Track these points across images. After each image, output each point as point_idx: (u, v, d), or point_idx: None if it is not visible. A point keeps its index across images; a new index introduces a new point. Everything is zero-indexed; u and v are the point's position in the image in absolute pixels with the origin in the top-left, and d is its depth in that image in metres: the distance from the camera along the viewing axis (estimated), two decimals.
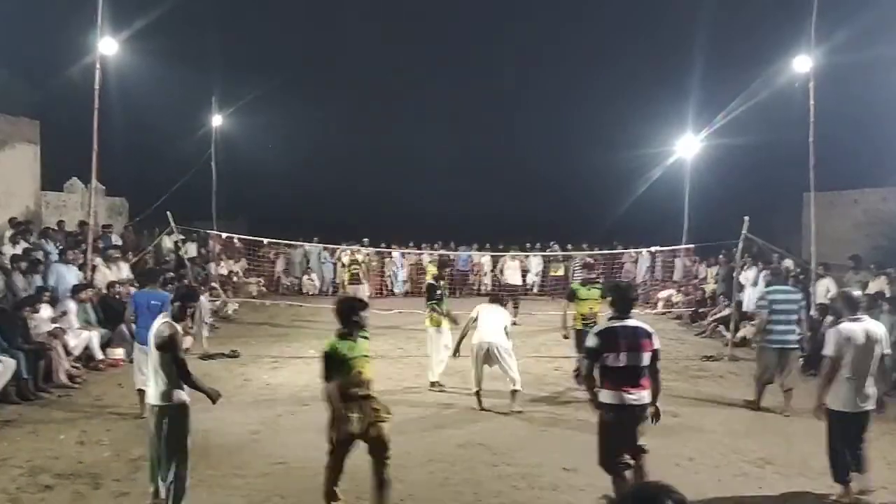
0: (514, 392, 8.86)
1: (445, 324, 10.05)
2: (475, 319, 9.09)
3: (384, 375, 9.99)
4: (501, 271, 17.47)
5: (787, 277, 10.74)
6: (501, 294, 10.82)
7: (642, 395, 5.39)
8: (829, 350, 5.97)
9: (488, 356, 8.85)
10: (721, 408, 9.18)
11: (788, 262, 14.36)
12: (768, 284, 10.32)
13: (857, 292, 6.62)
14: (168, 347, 5.33)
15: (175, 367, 5.34)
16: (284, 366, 11.58)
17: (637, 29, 30.65)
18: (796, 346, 8.99)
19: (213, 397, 5.61)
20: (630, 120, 26.32)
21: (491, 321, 8.98)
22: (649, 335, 5.45)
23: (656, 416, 5.53)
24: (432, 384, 9.96)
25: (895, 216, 15.43)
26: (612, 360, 5.34)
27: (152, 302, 8.19)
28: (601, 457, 5.60)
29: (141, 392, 7.93)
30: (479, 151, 31.38)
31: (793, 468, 6.97)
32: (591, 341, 5.48)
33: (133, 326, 8.71)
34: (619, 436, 5.43)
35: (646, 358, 5.38)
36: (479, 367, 8.91)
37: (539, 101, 33.21)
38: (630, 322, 5.49)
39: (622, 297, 5.63)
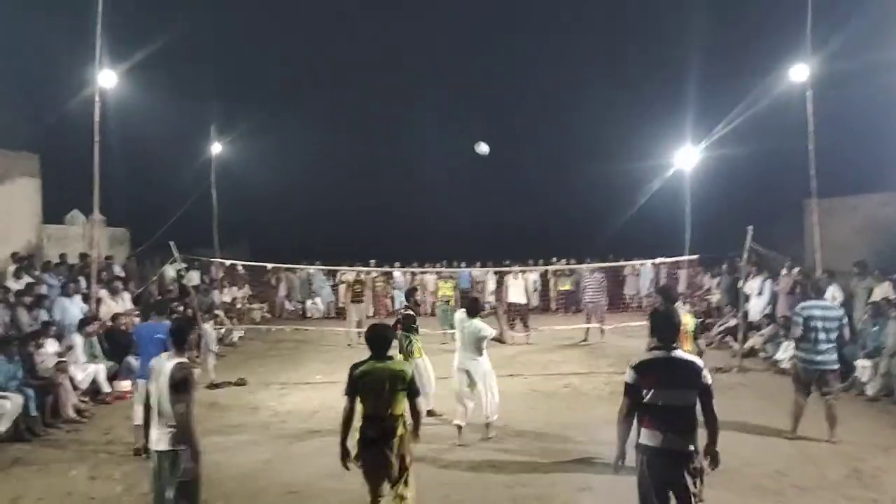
0: (487, 425, 8.54)
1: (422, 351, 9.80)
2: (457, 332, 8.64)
3: None
4: (505, 290, 17.38)
5: (823, 290, 9.94)
6: (476, 298, 10.05)
7: (689, 442, 4.66)
8: None
9: (469, 381, 8.47)
10: (731, 420, 9.04)
11: (794, 271, 14.36)
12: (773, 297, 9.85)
13: None
14: (182, 389, 5.06)
15: (186, 410, 5.07)
16: (293, 392, 11.53)
17: (634, 42, 30.68)
18: (835, 365, 8.26)
19: (196, 461, 5.13)
20: (628, 132, 26.32)
21: (464, 337, 8.52)
22: (698, 371, 4.72)
23: (713, 460, 4.83)
24: (428, 413, 9.27)
25: (895, 222, 15.42)
26: (652, 397, 4.68)
27: (156, 335, 7.89)
28: None
29: (138, 428, 7.69)
30: (477, 166, 31.26)
31: (810, 480, 6.94)
32: (628, 376, 4.82)
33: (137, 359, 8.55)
34: (657, 487, 4.69)
35: (692, 397, 4.69)
36: (461, 394, 8.50)
37: (536, 115, 33.16)
38: (677, 354, 4.80)
39: (664, 325, 4.92)
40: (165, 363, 5.17)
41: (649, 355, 4.86)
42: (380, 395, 5.14)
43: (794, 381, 8.55)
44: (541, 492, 6.75)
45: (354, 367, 5.30)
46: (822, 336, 8.15)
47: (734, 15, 24.39)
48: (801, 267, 14.93)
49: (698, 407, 4.74)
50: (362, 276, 18.22)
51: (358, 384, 5.21)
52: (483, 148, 12.38)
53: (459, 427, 8.42)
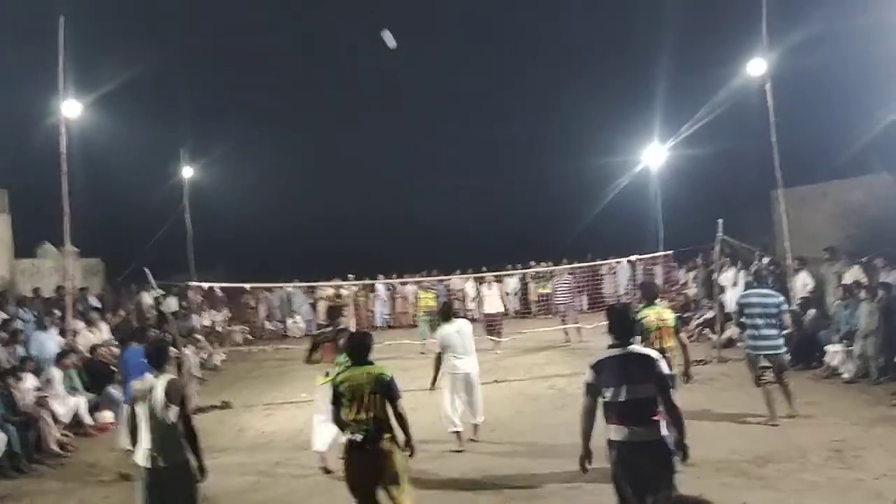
0: (476, 426, 8.71)
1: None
2: (446, 343, 8.47)
3: None
4: (481, 301, 17.34)
5: (766, 278, 10.51)
6: (447, 303, 9.87)
7: (654, 432, 4.72)
8: None
9: (467, 386, 8.51)
10: (714, 410, 9.19)
11: (765, 260, 14.55)
12: (747, 287, 10.32)
13: None
14: (176, 401, 5.16)
15: (182, 426, 5.17)
16: (278, 412, 11.48)
17: (608, 37, 30.78)
18: (781, 349, 8.64)
19: (203, 473, 5.33)
20: (594, 131, 26.41)
21: (461, 341, 8.50)
22: (654, 363, 4.75)
23: (683, 454, 4.85)
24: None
25: (864, 206, 15.68)
26: (613, 395, 4.73)
27: (142, 360, 7.96)
28: None
29: (129, 452, 7.74)
30: (455, 169, 31.11)
31: (793, 463, 7.05)
32: (588, 376, 4.89)
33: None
34: (628, 479, 4.71)
35: (651, 389, 4.71)
36: (453, 401, 8.48)
37: (506, 120, 33.20)
38: (633, 349, 4.89)
39: (619, 321, 5.00)
40: (155, 382, 5.22)
41: (606, 353, 4.91)
42: (360, 399, 5.30)
43: (750, 370, 8.82)
44: (532, 498, 6.78)
45: (336, 374, 5.58)
46: (760, 321, 8.55)
47: (699, 11, 24.57)
48: (772, 256, 15.15)
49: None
50: (342, 291, 18.18)
51: (339, 390, 5.40)
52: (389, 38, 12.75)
53: (458, 433, 8.44)
